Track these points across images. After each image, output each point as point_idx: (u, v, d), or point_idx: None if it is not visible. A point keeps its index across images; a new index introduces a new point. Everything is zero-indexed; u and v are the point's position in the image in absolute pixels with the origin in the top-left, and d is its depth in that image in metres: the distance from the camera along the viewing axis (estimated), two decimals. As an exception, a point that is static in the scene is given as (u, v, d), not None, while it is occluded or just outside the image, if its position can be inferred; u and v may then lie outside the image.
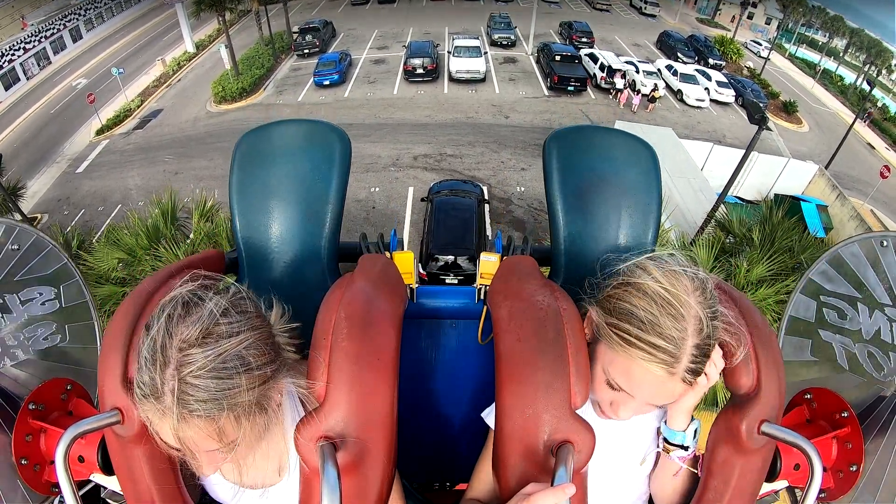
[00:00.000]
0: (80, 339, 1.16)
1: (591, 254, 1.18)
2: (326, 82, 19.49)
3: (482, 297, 1.29)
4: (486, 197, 11.58)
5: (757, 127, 7.48)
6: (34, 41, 22.90)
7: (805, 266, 5.69)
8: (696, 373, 0.75)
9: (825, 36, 28.67)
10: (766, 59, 24.91)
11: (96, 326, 1.19)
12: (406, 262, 1.25)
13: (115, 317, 0.82)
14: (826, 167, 14.15)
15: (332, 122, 1.23)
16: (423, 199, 10.94)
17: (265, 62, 21.17)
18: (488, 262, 1.25)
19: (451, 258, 9.00)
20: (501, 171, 14.01)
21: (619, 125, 13.38)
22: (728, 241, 6.11)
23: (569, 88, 19.10)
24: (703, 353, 0.75)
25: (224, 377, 0.63)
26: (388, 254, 1.29)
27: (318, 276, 1.19)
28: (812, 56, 28.70)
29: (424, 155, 14.85)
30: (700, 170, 12.50)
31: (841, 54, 27.61)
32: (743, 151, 8.47)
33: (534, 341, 0.79)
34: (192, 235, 6.07)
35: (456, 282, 8.95)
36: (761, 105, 17.91)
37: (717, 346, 0.79)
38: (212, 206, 6.31)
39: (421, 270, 9.06)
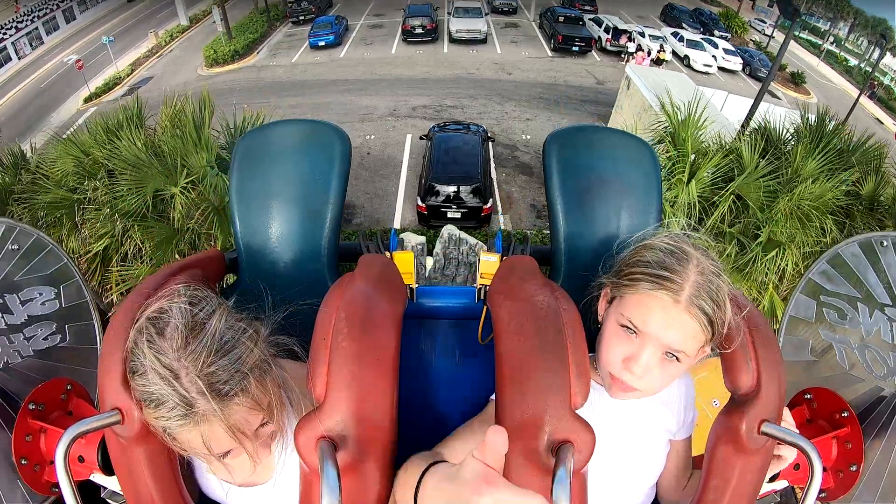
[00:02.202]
0: (80, 339, 1.17)
1: (591, 254, 1.18)
2: (322, 43, 19.04)
3: (482, 296, 1.29)
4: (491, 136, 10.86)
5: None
6: (27, 21, 22.51)
7: (860, 168, 5.01)
8: (703, 311, 0.78)
9: (827, 24, 28.32)
10: (771, 36, 24.48)
11: (96, 326, 1.19)
12: (406, 262, 1.25)
13: (115, 316, 0.82)
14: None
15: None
16: (422, 138, 10.29)
17: (259, 28, 20.91)
18: (488, 262, 1.24)
19: (453, 190, 8.30)
20: (505, 121, 13.47)
21: (630, 69, 12.87)
22: (769, 146, 5.55)
23: (573, 49, 18.56)
24: (706, 293, 0.79)
25: (230, 348, 0.66)
26: (388, 254, 1.29)
27: (318, 276, 1.19)
28: (816, 40, 28.48)
29: (423, 106, 14.14)
30: (720, 110, 12.31)
31: (843, 41, 27.29)
32: (761, 104, 8.07)
33: (534, 341, 0.79)
34: (157, 127, 5.31)
35: (458, 215, 8.39)
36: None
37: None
38: (184, 101, 5.38)
39: (419, 203, 8.47)
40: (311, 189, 1.18)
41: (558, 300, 0.86)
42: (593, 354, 0.90)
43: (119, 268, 4.96)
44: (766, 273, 4.74)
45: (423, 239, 5.53)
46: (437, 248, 5.55)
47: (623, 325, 0.84)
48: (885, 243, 1.13)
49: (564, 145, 1.19)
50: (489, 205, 8.73)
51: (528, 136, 12.76)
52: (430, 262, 5.51)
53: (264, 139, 1.21)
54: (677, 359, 0.81)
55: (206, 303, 0.70)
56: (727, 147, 5.34)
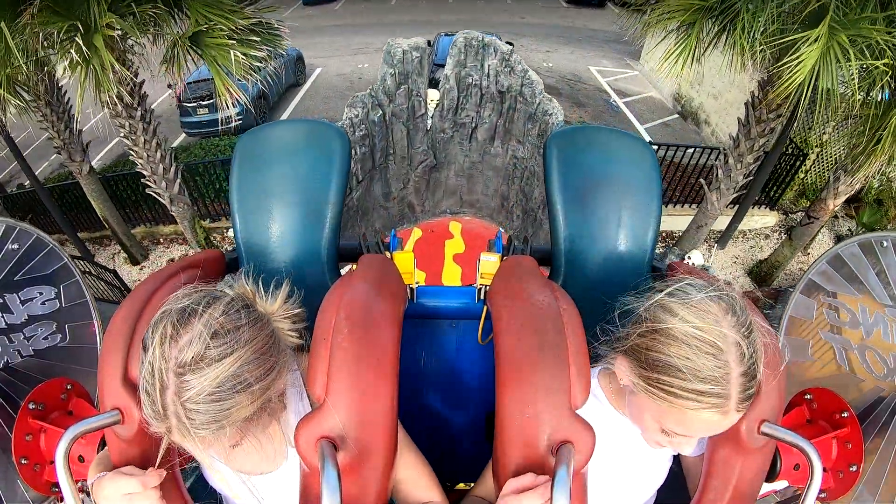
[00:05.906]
0: (80, 339, 1.17)
1: (591, 254, 1.18)
2: (315, -3, 18.27)
3: (482, 297, 1.29)
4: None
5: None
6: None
7: None
8: (748, 399, 0.71)
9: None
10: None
11: (96, 326, 1.19)
12: (406, 262, 1.25)
13: (115, 316, 0.82)
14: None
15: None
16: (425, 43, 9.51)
17: (251, -8, 20.46)
18: (488, 262, 1.25)
19: None
20: (522, 53, 12.54)
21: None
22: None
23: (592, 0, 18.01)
24: (750, 377, 0.70)
25: (223, 398, 0.63)
26: (388, 254, 1.29)
27: (318, 276, 1.19)
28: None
29: (427, 40, 13.40)
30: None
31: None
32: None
33: (534, 341, 0.79)
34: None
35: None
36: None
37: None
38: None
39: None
40: (310, 189, 1.18)
41: (558, 300, 0.86)
42: (595, 356, 0.89)
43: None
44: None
45: (422, 42, 3.46)
46: (448, 66, 3.44)
47: (664, 431, 0.78)
48: (885, 243, 1.13)
49: (565, 145, 1.20)
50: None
51: (551, 65, 12.18)
52: (433, 98, 3.75)
53: (264, 139, 1.21)
54: None
55: (228, 339, 0.65)
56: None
